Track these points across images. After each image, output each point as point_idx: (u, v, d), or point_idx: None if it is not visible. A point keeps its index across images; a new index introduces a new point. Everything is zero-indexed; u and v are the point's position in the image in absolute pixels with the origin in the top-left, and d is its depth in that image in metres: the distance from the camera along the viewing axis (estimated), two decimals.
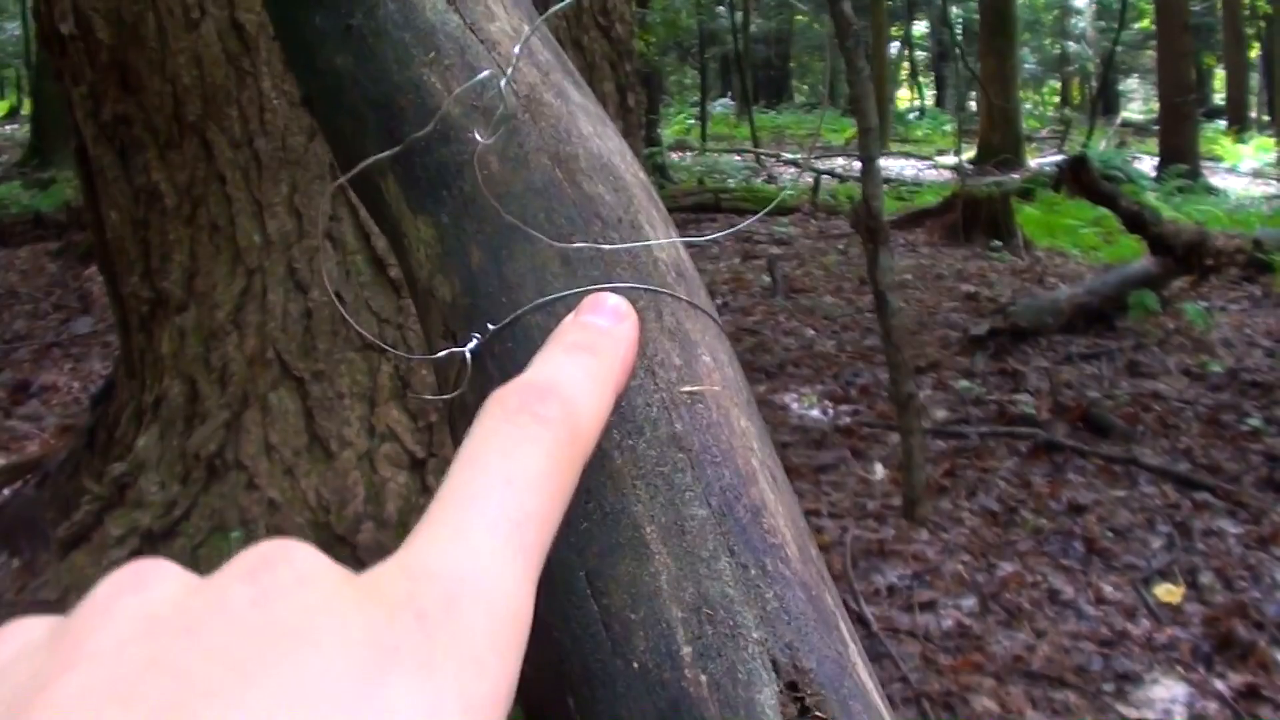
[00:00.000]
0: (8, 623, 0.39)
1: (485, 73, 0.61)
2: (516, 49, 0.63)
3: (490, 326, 0.58)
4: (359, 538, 2.86)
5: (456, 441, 0.62)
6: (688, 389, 0.56)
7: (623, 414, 0.55)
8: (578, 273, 0.58)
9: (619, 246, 0.59)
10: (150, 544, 2.93)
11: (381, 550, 2.83)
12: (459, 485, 0.46)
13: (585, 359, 0.53)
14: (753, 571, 0.52)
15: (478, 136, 0.60)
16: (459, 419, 0.60)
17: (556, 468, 0.48)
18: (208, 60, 2.98)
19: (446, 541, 0.43)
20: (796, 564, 0.53)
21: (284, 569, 0.40)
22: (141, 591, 0.39)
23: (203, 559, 2.86)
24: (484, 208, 0.60)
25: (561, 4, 0.72)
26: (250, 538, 2.85)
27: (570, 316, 0.57)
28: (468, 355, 0.58)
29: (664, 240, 0.62)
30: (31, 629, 0.39)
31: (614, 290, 0.58)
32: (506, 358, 0.57)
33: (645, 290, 0.58)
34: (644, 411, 0.55)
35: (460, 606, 0.41)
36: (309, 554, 0.41)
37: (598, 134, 0.66)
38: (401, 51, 0.64)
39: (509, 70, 0.62)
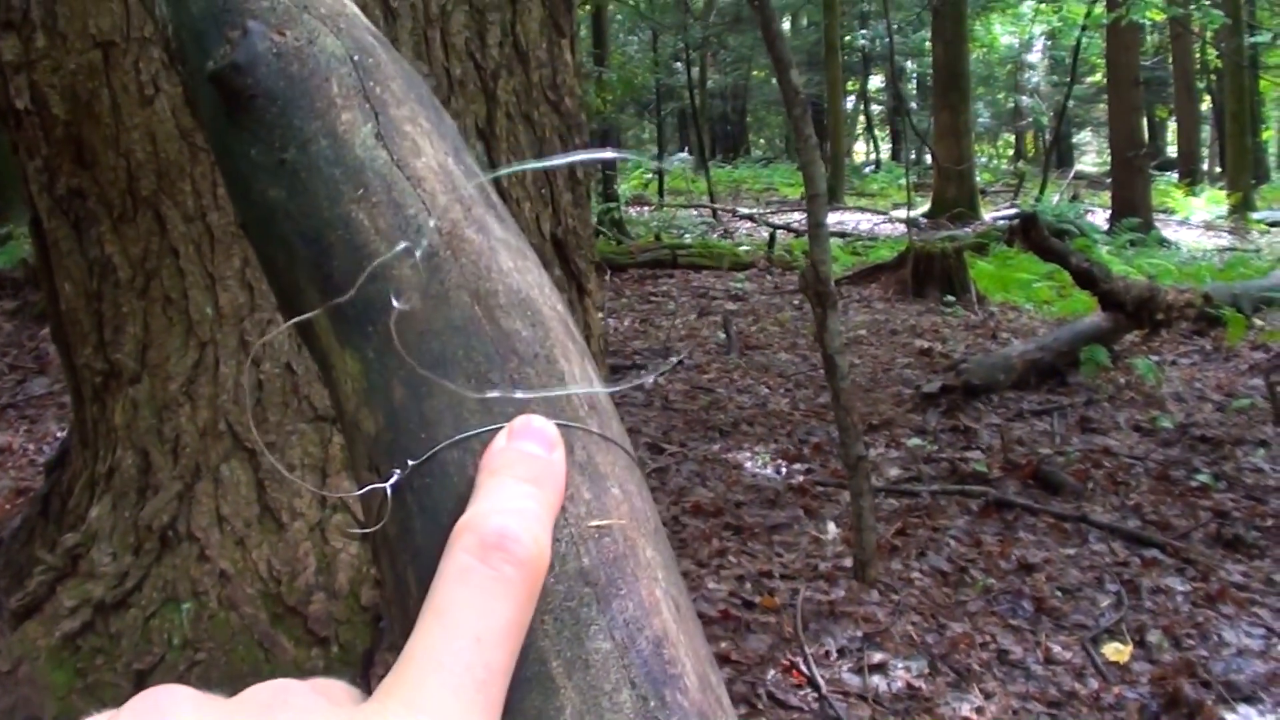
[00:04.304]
0: None
1: (402, 245, 0.64)
2: (434, 222, 0.65)
3: (410, 462, 0.60)
4: (310, 609, 2.86)
5: (380, 573, 0.65)
6: (596, 523, 0.58)
7: None
8: (493, 410, 0.60)
9: (532, 396, 0.62)
10: (102, 615, 2.92)
11: (333, 621, 2.83)
12: (428, 644, 0.50)
13: (535, 492, 0.56)
14: (653, 704, 0.54)
15: (394, 302, 0.62)
16: (381, 551, 0.62)
17: (522, 615, 0.52)
18: (161, 136, 3.00)
19: (415, 708, 0.47)
20: (695, 693, 0.56)
21: (284, 712, 0.45)
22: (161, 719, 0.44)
23: (154, 630, 2.86)
24: (406, 347, 0.63)
25: (508, 169, 0.75)
26: (201, 609, 2.86)
27: (504, 440, 0.59)
28: (388, 490, 0.60)
29: (580, 389, 0.64)
30: None
31: None
32: (425, 492, 0.59)
33: (559, 425, 0.61)
34: (554, 547, 0.56)
35: None
36: (307, 697, 0.47)
37: (518, 268, 0.68)
38: (332, 187, 0.66)
39: (423, 241, 0.64)
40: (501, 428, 0.60)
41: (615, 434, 0.65)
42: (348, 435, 0.67)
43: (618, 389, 0.70)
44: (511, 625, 0.51)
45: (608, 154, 0.73)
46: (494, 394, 0.61)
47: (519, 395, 0.61)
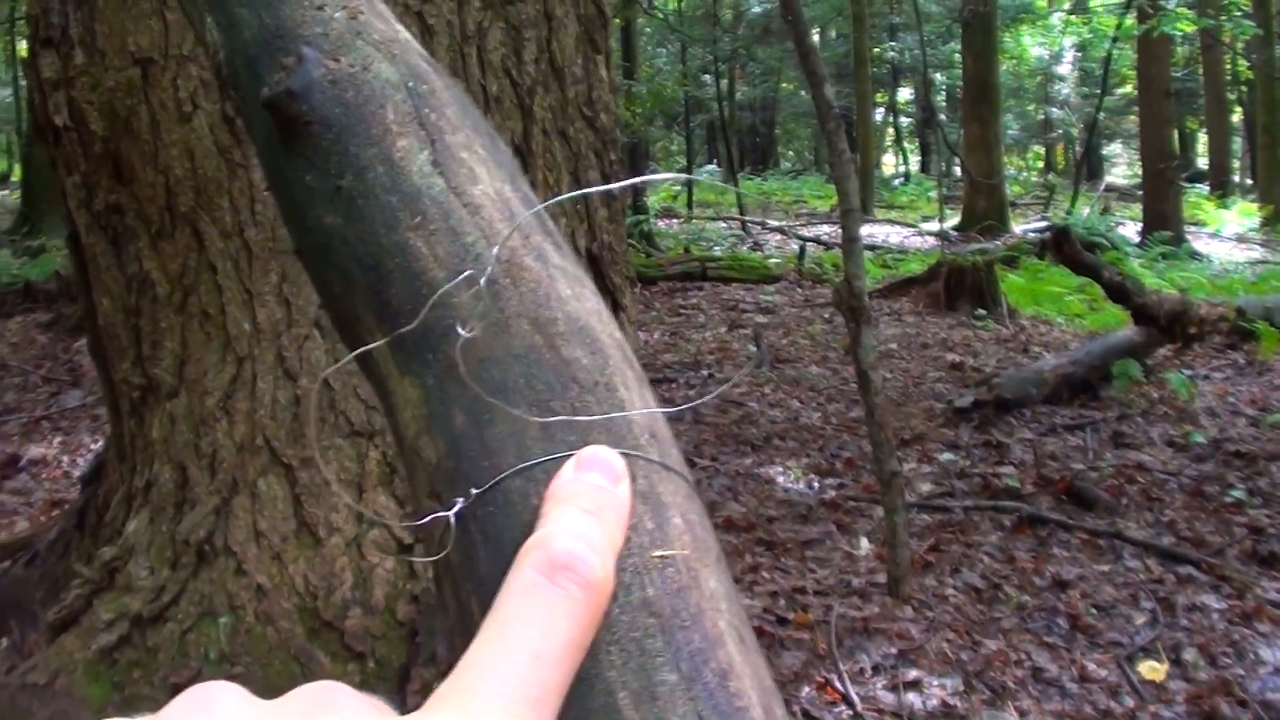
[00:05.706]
0: None
1: (467, 273, 0.64)
2: (496, 250, 0.65)
3: (473, 490, 0.60)
4: (346, 623, 2.87)
5: (442, 601, 0.65)
6: (659, 553, 0.58)
7: None
8: (555, 437, 0.61)
9: (594, 418, 0.62)
10: (139, 629, 2.93)
11: (369, 636, 2.83)
12: (488, 655, 0.50)
13: (600, 524, 0.56)
14: None
15: (460, 330, 0.62)
16: (444, 579, 0.62)
17: (583, 637, 0.52)
18: (199, 152, 3.02)
19: (468, 718, 0.47)
20: None
21: (330, 712, 0.45)
22: (207, 716, 0.44)
23: (191, 644, 2.87)
24: (467, 374, 0.62)
25: (558, 198, 0.75)
26: (238, 623, 2.87)
27: (570, 470, 0.59)
28: (452, 519, 0.60)
29: (640, 410, 0.64)
30: None
31: None
32: (488, 521, 0.59)
33: (622, 454, 0.61)
34: (618, 577, 0.56)
35: None
36: (354, 700, 0.47)
37: (575, 295, 0.68)
38: (389, 215, 0.66)
39: (488, 270, 0.64)
40: (566, 456, 0.60)
41: (675, 462, 0.64)
42: (407, 463, 0.67)
43: (674, 410, 0.70)
44: (572, 646, 0.51)
45: (653, 178, 0.72)
46: (555, 419, 0.61)
47: (581, 422, 0.61)
